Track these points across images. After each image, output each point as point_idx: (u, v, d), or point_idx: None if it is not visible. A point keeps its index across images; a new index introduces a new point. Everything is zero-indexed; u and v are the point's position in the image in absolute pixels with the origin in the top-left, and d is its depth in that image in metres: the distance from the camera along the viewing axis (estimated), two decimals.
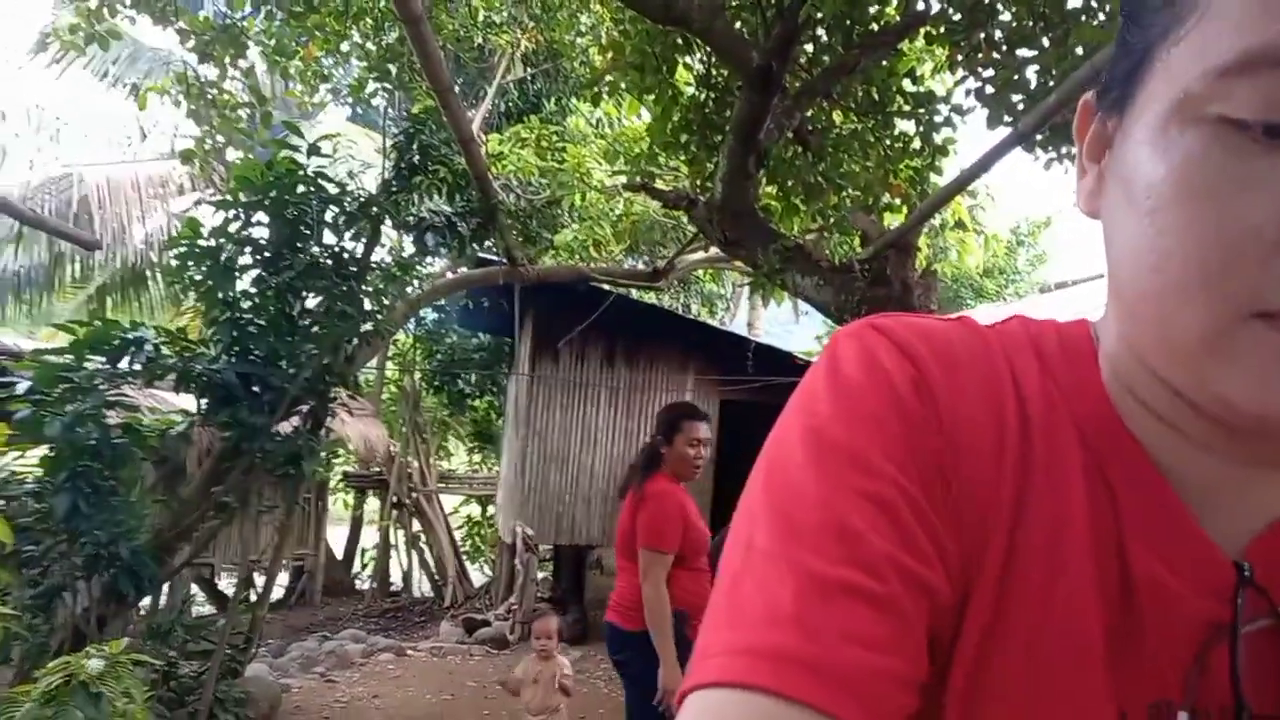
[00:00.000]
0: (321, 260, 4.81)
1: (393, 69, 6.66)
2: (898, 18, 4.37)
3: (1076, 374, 0.44)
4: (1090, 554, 0.41)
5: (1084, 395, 0.43)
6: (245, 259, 4.72)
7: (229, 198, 4.65)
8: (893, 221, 5.08)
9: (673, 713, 2.48)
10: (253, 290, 4.75)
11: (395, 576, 11.49)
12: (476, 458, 14.21)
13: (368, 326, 5.09)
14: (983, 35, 4.23)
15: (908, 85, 4.92)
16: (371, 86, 6.96)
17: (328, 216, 4.85)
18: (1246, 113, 0.33)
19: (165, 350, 4.41)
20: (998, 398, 0.43)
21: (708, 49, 4.51)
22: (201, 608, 8.82)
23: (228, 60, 5.77)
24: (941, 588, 0.39)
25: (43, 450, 4.14)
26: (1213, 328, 0.35)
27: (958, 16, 4.34)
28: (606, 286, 8.00)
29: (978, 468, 0.41)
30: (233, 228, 4.66)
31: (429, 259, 6.48)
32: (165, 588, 5.48)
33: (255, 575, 7.38)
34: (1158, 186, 0.36)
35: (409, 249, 5.99)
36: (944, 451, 0.41)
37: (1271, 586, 0.40)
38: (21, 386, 4.16)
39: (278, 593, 9.78)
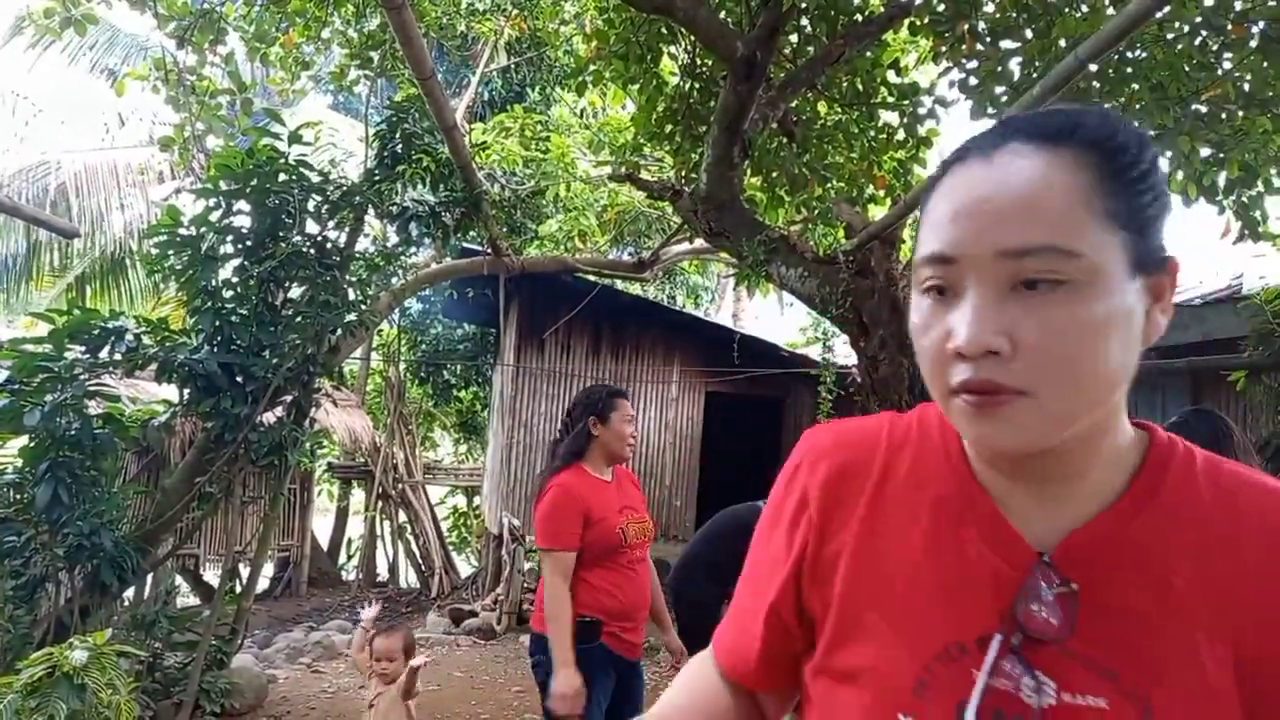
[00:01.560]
0: (304, 249, 4.78)
1: (375, 56, 6.60)
2: (882, 8, 4.38)
3: (945, 438, 0.71)
4: (925, 550, 0.67)
5: (948, 451, 0.70)
6: (227, 248, 4.68)
7: (209, 186, 4.60)
8: (877, 213, 5.11)
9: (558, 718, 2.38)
10: (235, 279, 4.71)
11: (381, 567, 11.47)
12: (462, 448, 14.19)
13: (351, 317, 5.06)
14: (966, 27, 4.25)
15: (892, 77, 4.94)
16: (353, 74, 6.89)
17: (310, 205, 4.81)
18: (928, 284, 0.63)
19: (146, 340, 4.37)
20: (866, 470, 0.72)
21: (692, 38, 4.51)
22: (187, 599, 8.78)
23: (206, 46, 5.70)
24: (789, 617, 0.74)
25: (22, 441, 4.10)
26: (943, 403, 0.63)
27: (941, 8, 4.36)
28: (592, 277, 7.99)
29: (837, 526, 0.72)
30: (214, 216, 4.62)
31: (413, 249, 6.45)
32: (149, 579, 5.44)
33: (240, 566, 7.36)
34: (913, 328, 0.65)
35: (393, 239, 5.95)
36: (810, 528, 0.73)
37: (1066, 566, 0.62)
38: (0, 376, 4.12)
39: (263, 583, 9.75)
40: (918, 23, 4.48)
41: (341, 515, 12.35)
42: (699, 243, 7.66)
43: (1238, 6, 3.84)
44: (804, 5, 4.34)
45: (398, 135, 5.54)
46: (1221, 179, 4.32)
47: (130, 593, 5.12)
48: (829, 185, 5.05)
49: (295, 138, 4.71)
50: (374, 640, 3.24)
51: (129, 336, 4.29)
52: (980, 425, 0.60)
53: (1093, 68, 3.68)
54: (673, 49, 4.94)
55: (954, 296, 0.61)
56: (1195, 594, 0.59)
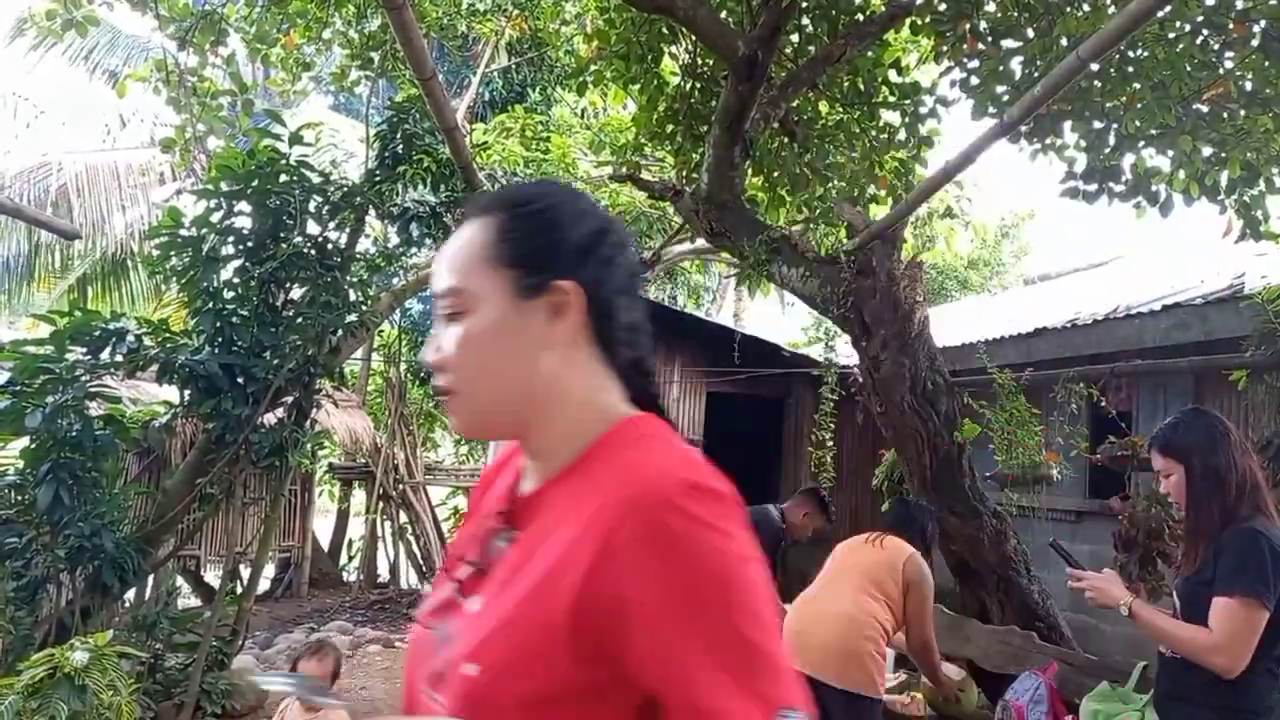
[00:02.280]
0: (305, 250, 4.78)
1: (375, 57, 6.60)
2: (883, 8, 4.38)
3: None
4: (481, 515, 0.90)
5: None
6: (228, 249, 4.68)
7: (210, 187, 4.60)
8: (878, 213, 5.10)
9: None
10: (236, 280, 4.71)
11: (382, 568, 11.47)
12: (463, 449, 14.17)
13: (352, 317, 5.06)
14: (968, 26, 4.24)
15: (893, 76, 4.93)
16: (354, 74, 6.89)
17: (311, 206, 4.81)
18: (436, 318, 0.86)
19: (147, 341, 4.37)
20: (499, 468, 0.95)
21: (693, 38, 4.50)
22: (187, 600, 8.77)
23: (207, 47, 5.70)
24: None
25: (24, 442, 4.10)
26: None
27: (943, 7, 4.35)
28: None
29: (473, 511, 0.95)
30: (215, 217, 4.62)
31: (414, 249, 6.44)
32: (150, 580, 5.44)
33: (241, 567, 7.35)
34: None
35: (394, 239, 5.95)
36: (483, 496, 0.96)
37: (516, 519, 0.84)
38: (1, 378, 4.12)
39: (264, 585, 9.74)
40: (919, 22, 4.47)
41: (342, 516, 12.34)
42: (700, 242, 7.65)
43: (1239, 5, 3.84)
44: (805, 5, 4.34)
45: (398, 136, 5.53)
46: (1223, 178, 4.31)
47: (131, 594, 5.12)
48: (830, 185, 5.05)
49: (296, 138, 4.71)
50: (299, 661, 3.06)
51: (130, 338, 4.29)
52: (448, 417, 0.86)
53: (1094, 67, 3.68)
54: (674, 49, 4.93)
55: None
56: (562, 540, 0.75)
